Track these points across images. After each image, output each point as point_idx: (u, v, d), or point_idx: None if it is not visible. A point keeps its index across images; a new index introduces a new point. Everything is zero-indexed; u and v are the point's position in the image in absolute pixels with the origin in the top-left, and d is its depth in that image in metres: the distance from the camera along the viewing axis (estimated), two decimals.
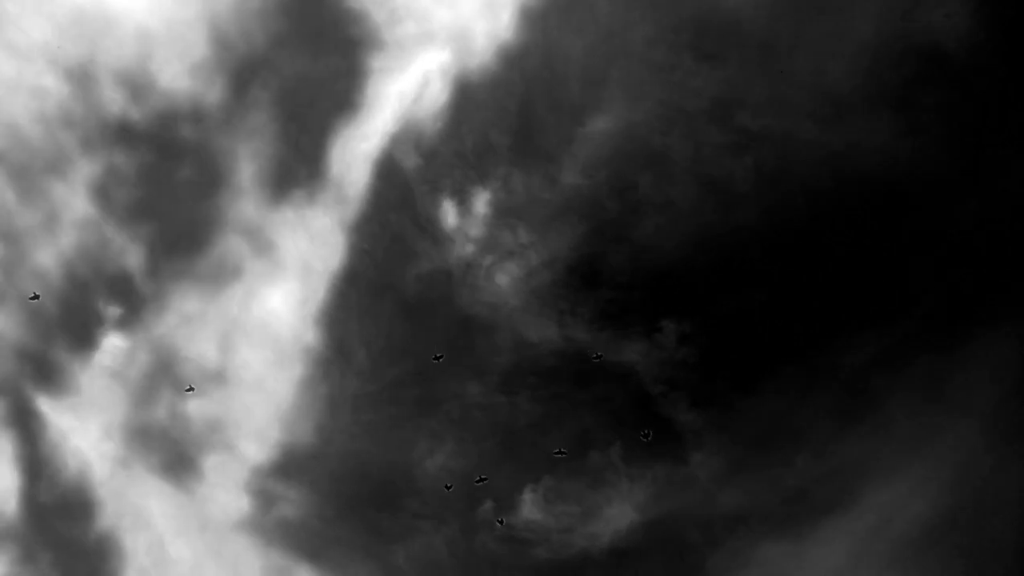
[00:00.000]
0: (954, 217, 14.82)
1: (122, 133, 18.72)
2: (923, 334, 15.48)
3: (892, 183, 15.27)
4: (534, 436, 18.14)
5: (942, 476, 15.23)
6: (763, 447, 17.37)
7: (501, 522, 17.22)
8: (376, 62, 18.77)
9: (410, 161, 18.75)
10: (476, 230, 18.54)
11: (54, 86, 18.21)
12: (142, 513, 19.56)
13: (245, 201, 19.31)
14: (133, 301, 18.77)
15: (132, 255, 18.72)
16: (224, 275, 19.17)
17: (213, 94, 18.82)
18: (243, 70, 18.72)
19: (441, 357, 17.44)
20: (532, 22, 18.60)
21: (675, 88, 17.28)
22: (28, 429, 18.57)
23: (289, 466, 19.44)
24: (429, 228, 18.72)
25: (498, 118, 18.39)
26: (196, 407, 19.31)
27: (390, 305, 18.40)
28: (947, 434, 15.40)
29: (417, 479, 18.51)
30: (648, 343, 17.51)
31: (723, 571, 17.45)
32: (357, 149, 18.84)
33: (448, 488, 17.37)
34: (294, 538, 18.91)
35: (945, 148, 14.23)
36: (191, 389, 18.74)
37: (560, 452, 17.50)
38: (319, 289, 18.90)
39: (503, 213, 18.60)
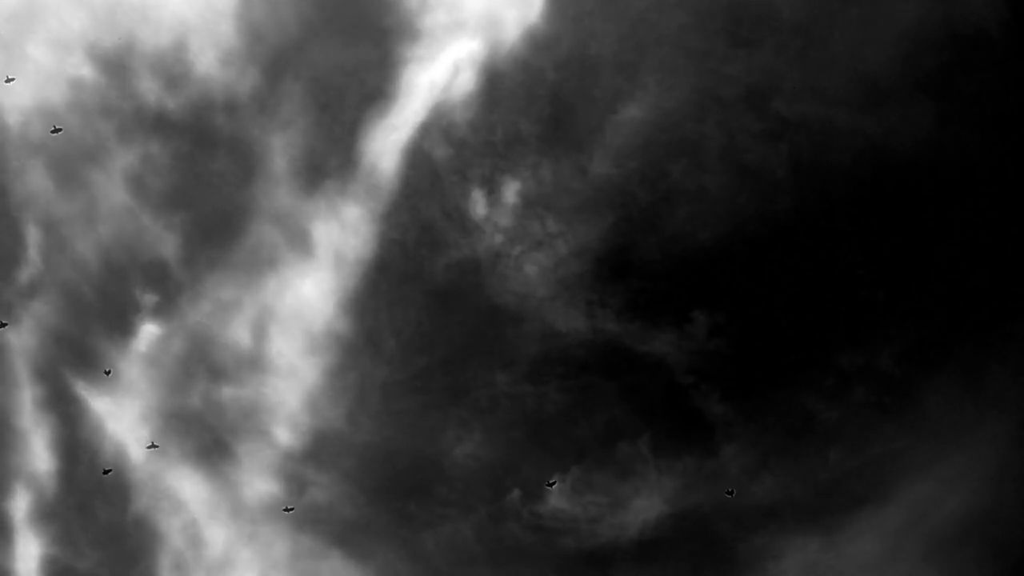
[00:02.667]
0: (992, 206, 14.46)
1: (158, 123, 18.97)
2: (960, 325, 15.16)
3: (931, 171, 14.93)
4: (563, 426, 18.14)
5: (978, 471, 14.91)
6: (795, 439, 17.18)
7: (552, 484, 17.13)
8: (407, 51, 18.78)
9: (440, 151, 18.75)
10: (505, 220, 18.52)
11: (91, 76, 18.49)
12: (176, 497, 19.93)
13: (278, 190, 19.48)
14: (169, 289, 19.07)
15: (168, 243, 19.00)
16: (258, 264, 19.38)
17: (247, 84, 19.00)
18: (276, 60, 18.85)
19: None
20: (563, 8, 18.47)
21: (709, 75, 17.05)
22: (66, 414, 18.99)
23: (320, 453, 19.67)
24: (459, 218, 18.74)
25: (528, 107, 18.31)
26: (230, 394, 19.59)
27: (420, 294, 18.48)
28: (984, 428, 15.07)
29: (445, 467, 18.61)
30: (678, 334, 17.37)
31: (753, 564, 17.33)
32: (388, 139, 18.88)
33: None
34: (325, 524, 19.14)
35: (985, 136, 13.88)
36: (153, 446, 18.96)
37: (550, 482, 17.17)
38: (350, 278, 19.02)
39: (532, 203, 18.54)
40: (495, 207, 18.46)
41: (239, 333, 19.38)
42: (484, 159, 18.70)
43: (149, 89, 18.80)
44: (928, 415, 15.30)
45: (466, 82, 18.50)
